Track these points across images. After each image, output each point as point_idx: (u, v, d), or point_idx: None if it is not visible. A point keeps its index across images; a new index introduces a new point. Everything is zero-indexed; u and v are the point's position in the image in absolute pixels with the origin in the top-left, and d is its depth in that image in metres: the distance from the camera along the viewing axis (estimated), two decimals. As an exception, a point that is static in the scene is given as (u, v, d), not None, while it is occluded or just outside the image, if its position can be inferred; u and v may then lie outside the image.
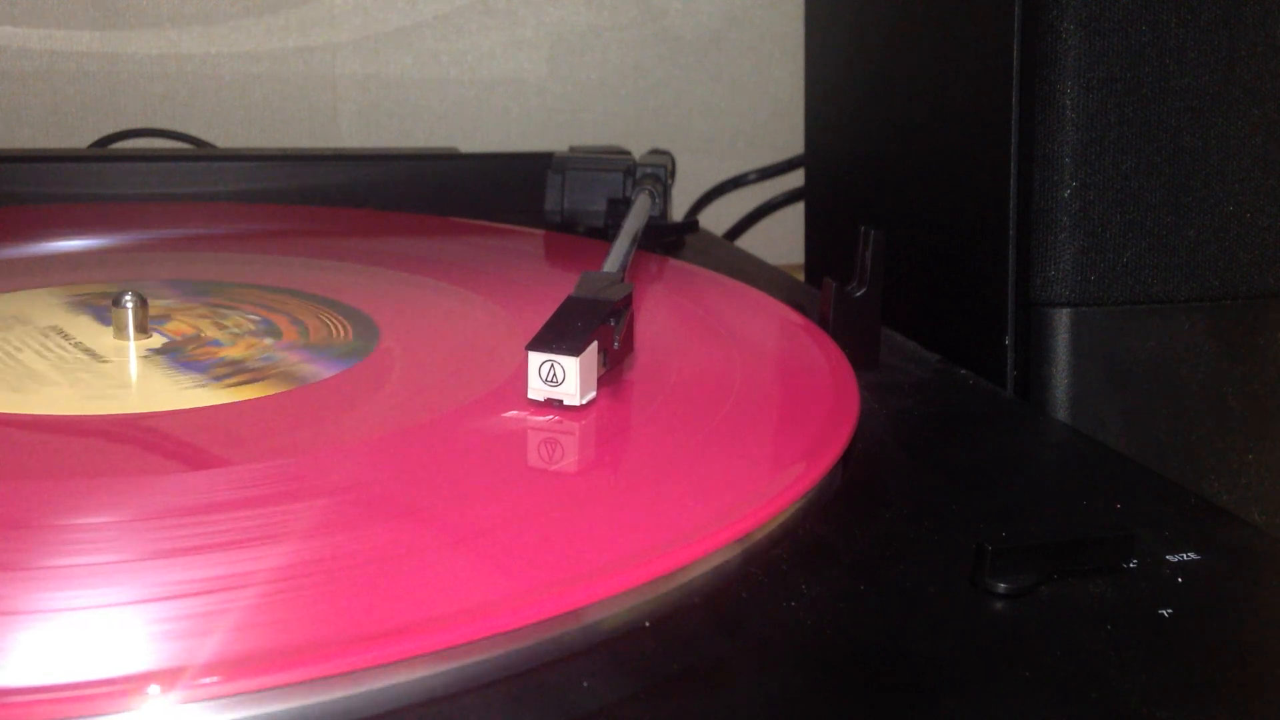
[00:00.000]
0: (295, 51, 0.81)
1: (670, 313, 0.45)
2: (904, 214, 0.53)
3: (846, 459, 0.34)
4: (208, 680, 0.21)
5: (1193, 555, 0.29)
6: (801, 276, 0.69)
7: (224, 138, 0.81)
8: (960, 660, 0.24)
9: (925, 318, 0.51)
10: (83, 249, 0.54)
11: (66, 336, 0.40)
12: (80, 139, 0.79)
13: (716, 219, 0.84)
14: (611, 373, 0.36)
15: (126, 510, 0.27)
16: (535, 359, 0.34)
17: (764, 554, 0.28)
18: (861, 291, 0.43)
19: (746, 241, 0.82)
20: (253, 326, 0.41)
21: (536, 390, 0.34)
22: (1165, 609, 0.26)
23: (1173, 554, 0.29)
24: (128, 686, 0.20)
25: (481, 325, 0.43)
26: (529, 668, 0.23)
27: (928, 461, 0.35)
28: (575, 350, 0.33)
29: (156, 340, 0.40)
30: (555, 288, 0.41)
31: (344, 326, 0.42)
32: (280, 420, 0.34)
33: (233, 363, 0.38)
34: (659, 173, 0.60)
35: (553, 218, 0.61)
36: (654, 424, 0.34)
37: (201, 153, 0.74)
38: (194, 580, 0.24)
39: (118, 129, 0.78)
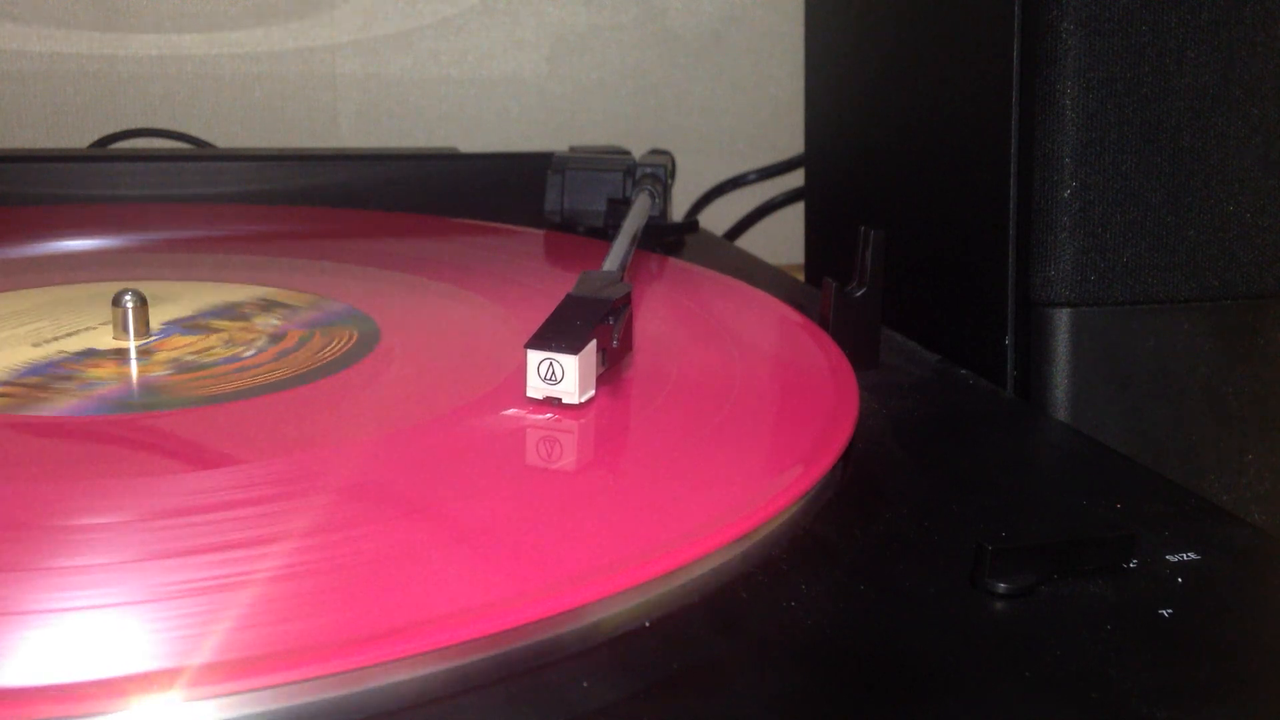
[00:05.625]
0: (295, 51, 0.81)
1: (670, 312, 0.45)
2: (904, 214, 0.53)
3: (846, 459, 0.34)
4: (207, 680, 0.21)
5: (1193, 555, 0.29)
6: (801, 276, 0.69)
7: (224, 138, 0.81)
8: (960, 660, 0.24)
9: (925, 318, 0.51)
10: (83, 249, 0.54)
11: (92, 328, 0.41)
12: (80, 139, 0.79)
13: (716, 219, 0.84)
14: (610, 371, 0.36)
15: (126, 510, 0.27)
16: (534, 357, 0.34)
17: (764, 554, 0.28)
18: (861, 291, 0.43)
19: (746, 241, 0.82)
20: (217, 356, 0.39)
21: (535, 388, 0.34)
22: (1165, 609, 0.26)
23: (1173, 554, 0.29)
24: (127, 687, 0.20)
25: (481, 325, 0.43)
26: (529, 668, 0.23)
27: (928, 461, 0.35)
28: (574, 349, 0.33)
29: (124, 345, 0.40)
30: (555, 287, 0.41)
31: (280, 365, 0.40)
32: (280, 420, 0.34)
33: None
34: (659, 173, 0.60)
35: (553, 218, 0.61)
36: (653, 423, 0.34)
37: (201, 153, 0.74)
38: (193, 580, 0.24)
39: (118, 129, 0.78)
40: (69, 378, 0.37)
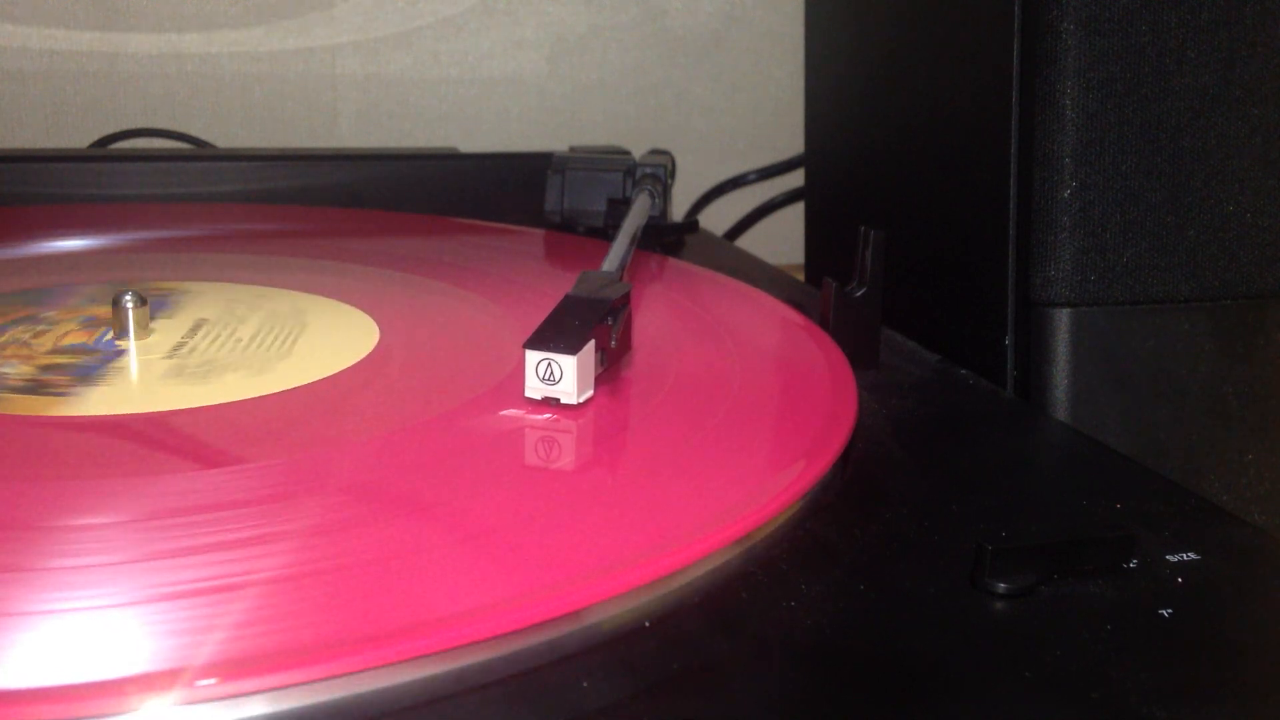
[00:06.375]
0: (295, 51, 0.81)
1: (670, 312, 0.45)
2: (904, 214, 0.53)
3: (846, 459, 0.34)
4: (207, 681, 0.21)
5: (1193, 555, 0.29)
6: (801, 276, 0.69)
7: (224, 138, 0.81)
8: (960, 660, 0.24)
9: (925, 318, 0.51)
10: (83, 249, 0.54)
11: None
12: (80, 139, 0.79)
13: (716, 219, 0.84)
14: (609, 371, 0.36)
15: (126, 510, 0.27)
16: (533, 357, 0.34)
17: (764, 554, 0.28)
18: (861, 291, 0.43)
19: (746, 241, 0.82)
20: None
21: (534, 389, 0.34)
22: (1165, 609, 0.26)
23: (1173, 554, 0.29)
24: (127, 687, 0.20)
25: (481, 325, 0.43)
26: (529, 668, 0.23)
27: (928, 461, 0.35)
28: (572, 349, 0.33)
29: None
30: (555, 288, 0.41)
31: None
32: (279, 420, 0.34)
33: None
34: (659, 173, 0.60)
35: (553, 218, 0.61)
36: (652, 423, 0.34)
37: (201, 153, 0.74)
38: (193, 580, 0.24)
39: (118, 129, 0.78)
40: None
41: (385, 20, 0.82)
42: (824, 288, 0.44)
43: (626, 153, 0.64)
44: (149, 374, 0.37)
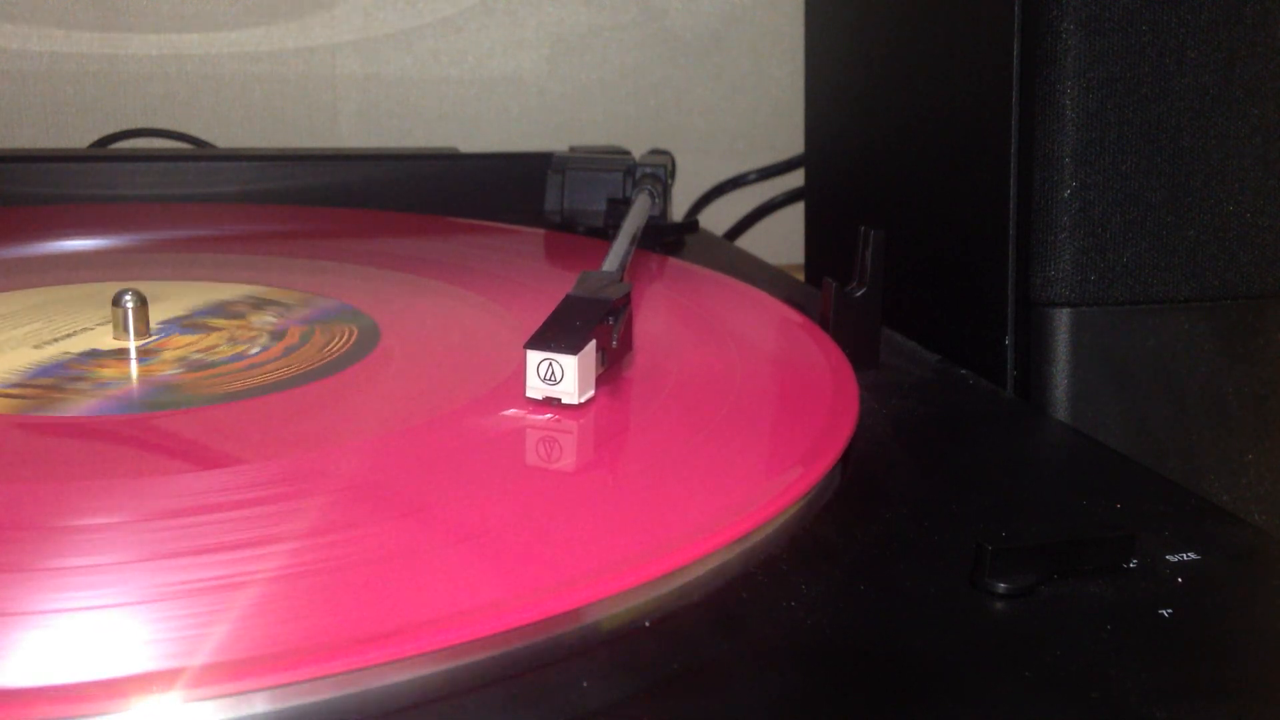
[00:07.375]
0: (295, 51, 0.81)
1: (670, 312, 0.45)
2: (904, 214, 0.53)
3: (846, 459, 0.34)
4: (207, 681, 0.21)
5: (1193, 555, 0.29)
6: (801, 276, 0.69)
7: (224, 138, 0.81)
8: (960, 660, 0.24)
9: (925, 318, 0.51)
10: (83, 249, 0.54)
11: (89, 328, 0.40)
12: (80, 139, 0.79)
13: (716, 219, 0.84)
14: (610, 372, 0.36)
15: (126, 510, 0.27)
16: (534, 357, 0.34)
17: (764, 554, 0.28)
18: (861, 291, 0.43)
19: (746, 241, 0.82)
20: (224, 354, 0.40)
21: (535, 389, 0.34)
22: (1165, 609, 0.26)
23: (1173, 554, 0.29)
24: (127, 687, 0.20)
25: (481, 325, 0.43)
26: (529, 668, 0.23)
27: (928, 461, 0.35)
28: (573, 349, 0.33)
29: (125, 345, 0.40)
30: (555, 287, 0.41)
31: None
32: (280, 420, 0.34)
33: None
34: (659, 173, 0.60)
35: (553, 218, 0.61)
36: (653, 423, 0.34)
37: (201, 153, 0.74)
38: (193, 580, 0.24)
39: (118, 129, 0.78)
40: (80, 378, 0.37)
41: (385, 20, 0.82)
42: (824, 288, 0.44)
43: (626, 153, 0.64)
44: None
